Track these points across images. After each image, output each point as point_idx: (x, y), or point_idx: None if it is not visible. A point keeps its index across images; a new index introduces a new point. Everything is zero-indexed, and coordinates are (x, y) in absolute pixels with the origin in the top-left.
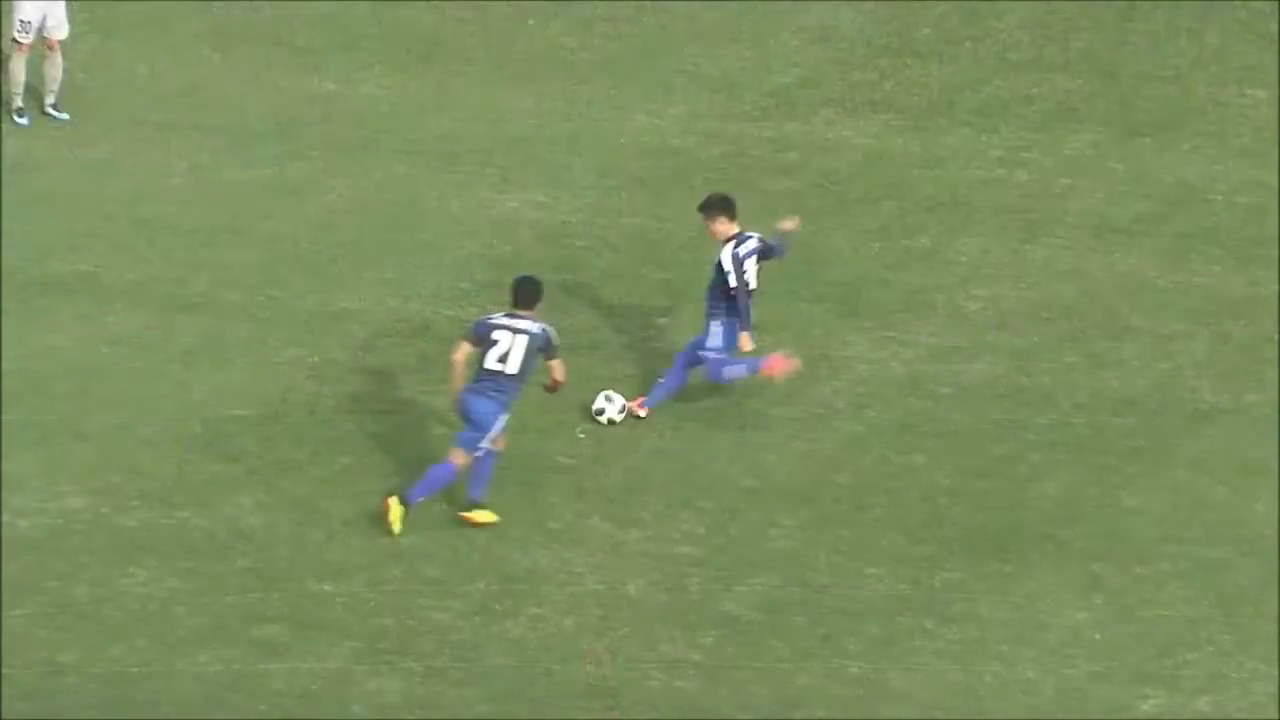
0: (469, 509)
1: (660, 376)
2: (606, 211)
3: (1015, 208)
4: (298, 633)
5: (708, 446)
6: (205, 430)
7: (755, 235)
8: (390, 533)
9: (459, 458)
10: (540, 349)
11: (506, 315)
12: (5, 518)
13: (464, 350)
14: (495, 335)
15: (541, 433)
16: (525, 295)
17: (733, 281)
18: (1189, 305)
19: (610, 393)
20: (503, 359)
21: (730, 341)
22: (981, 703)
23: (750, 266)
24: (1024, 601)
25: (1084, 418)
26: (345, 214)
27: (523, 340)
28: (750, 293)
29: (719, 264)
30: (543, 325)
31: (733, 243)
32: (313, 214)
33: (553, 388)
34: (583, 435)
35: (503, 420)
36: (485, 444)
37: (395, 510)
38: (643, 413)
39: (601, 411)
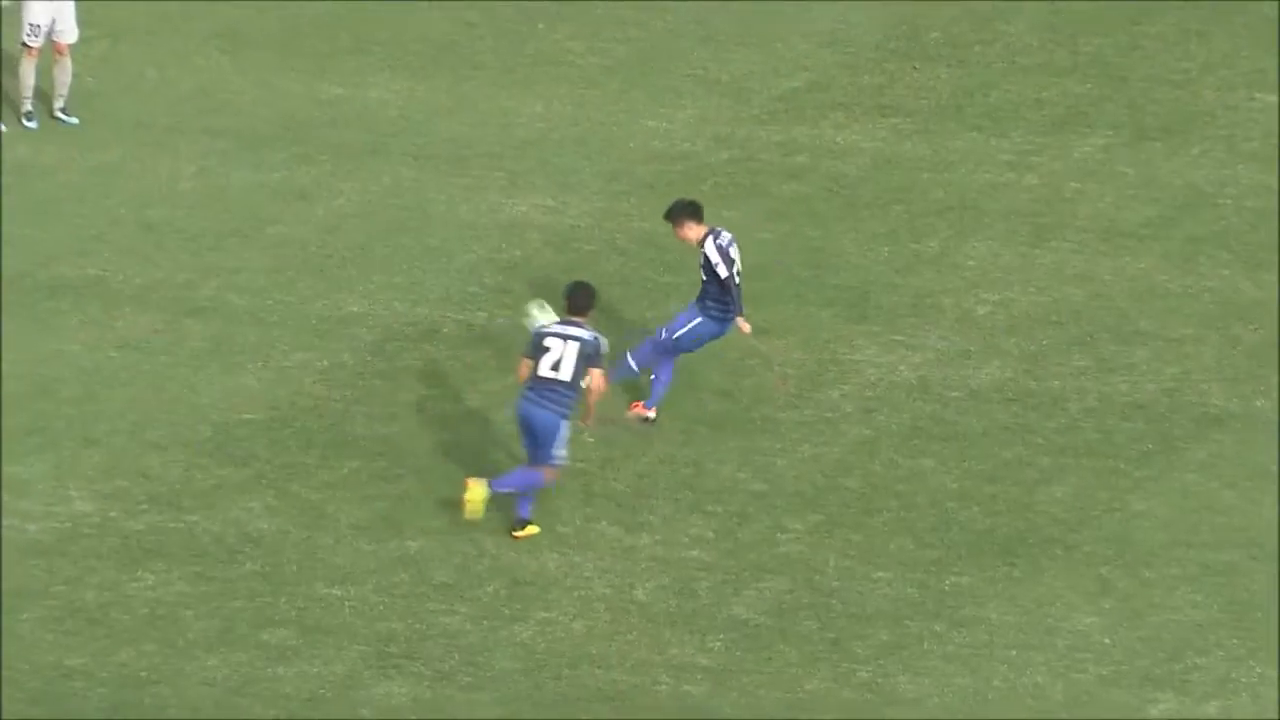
0: (520, 528)
1: (650, 374)
2: (615, 215)
3: (1024, 211)
4: (306, 637)
5: (716, 451)
6: (214, 434)
7: (724, 229)
8: (469, 513)
9: (546, 472)
10: (589, 356)
11: (559, 323)
12: (14, 522)
13: (526, 366)
14: (548, 343)
15: None
16: (578, 301)
17: (723, 273)
18: (1198, 309)
19: (543, 302)
20: (555, 366)
21: (693, 340)
22: (990, 707)
23: (736, 256)
24: (1033, 606)
25: (1093, 422)
26: (353, 218)
27: (574, 346)
28: (738, 283)
29: (706, 261)
30: (595, 333)
31: (710, 238)
32: (321, 218)
33: (586, 411)
34: (591, 439)
35: (565, 428)
36: (560, 452)
37: (476, 491)
38: (651, 413)
39: (528, 315)
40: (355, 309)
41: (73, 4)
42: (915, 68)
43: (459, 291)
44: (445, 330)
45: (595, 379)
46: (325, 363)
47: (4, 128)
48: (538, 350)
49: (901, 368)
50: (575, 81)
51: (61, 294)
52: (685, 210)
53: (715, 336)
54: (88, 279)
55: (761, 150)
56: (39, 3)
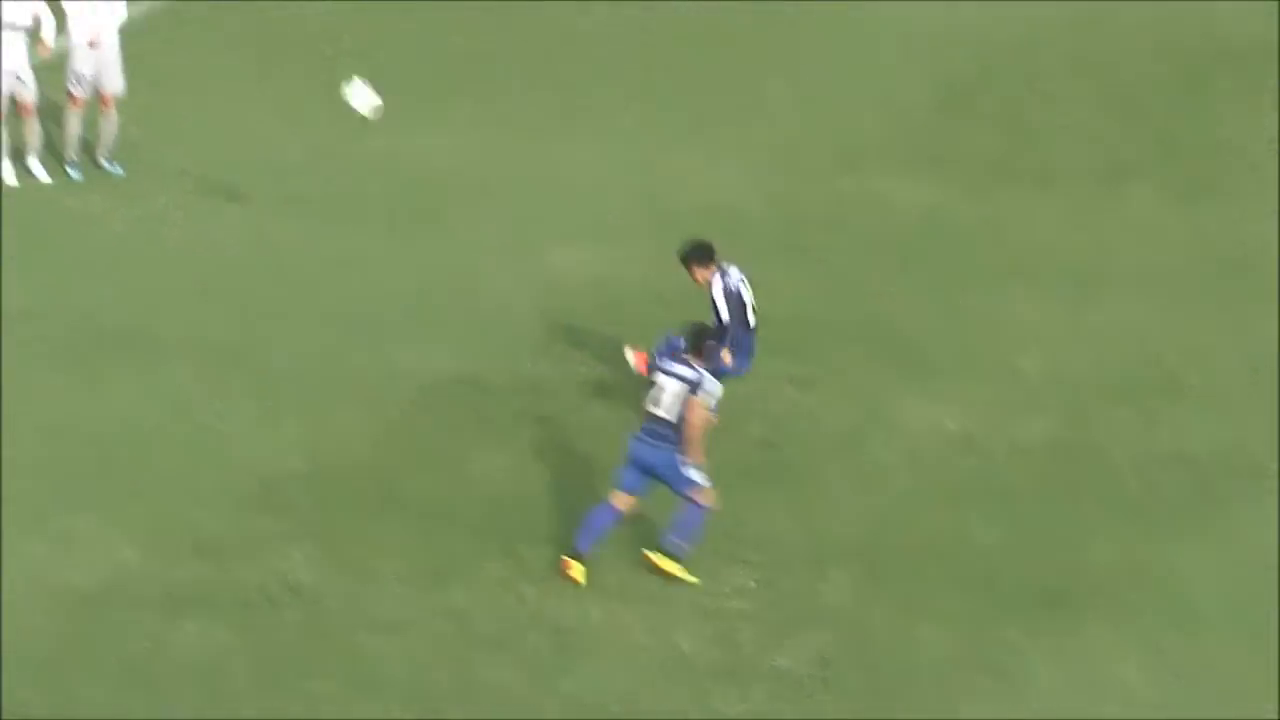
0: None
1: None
2: (661, 267)
3: (1072, 268)
4: (350, 688)
5: (758, 501)
6: (259, 488)
7: (734, 266)
8: (682, 576)
9: (700, 498)
10: (691, 393)
11: (672, 359)
12: (59, 572)
13: None
14: (656, 377)
15: (592, 486)
16: (694, 342)
17: (723, 316)
18: (1245, 366)
19: (361, 81)
20: (660, 403)
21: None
22: None
23: (748, 296)
24: (1079, 661)
25: (1139, 477)
26: (399, 270)
27: (675, 385)
28: (749, 323)
29: (711, 302)
30: (701, 371)
31: (717, 276)
32: (366, 270)
33: (687, 444)
34: None
35: (677, 458)
36: (693, 474)
37: (664, 562)
38: None
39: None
40: (402, 362)
41: (118, 54)
42: (964, 125)
43: (503, 344)
44: (489, 382)
45: (690, 408)
46: (372, 416)
47: (49, 179)
48: (650, 387)
49: (946, 421)
50: (625, 134)
51: (107, 345)
52: (691, 256)
53: (730, 373)
54: (133, 330)
55: (810, 205)
56: (84, 51)
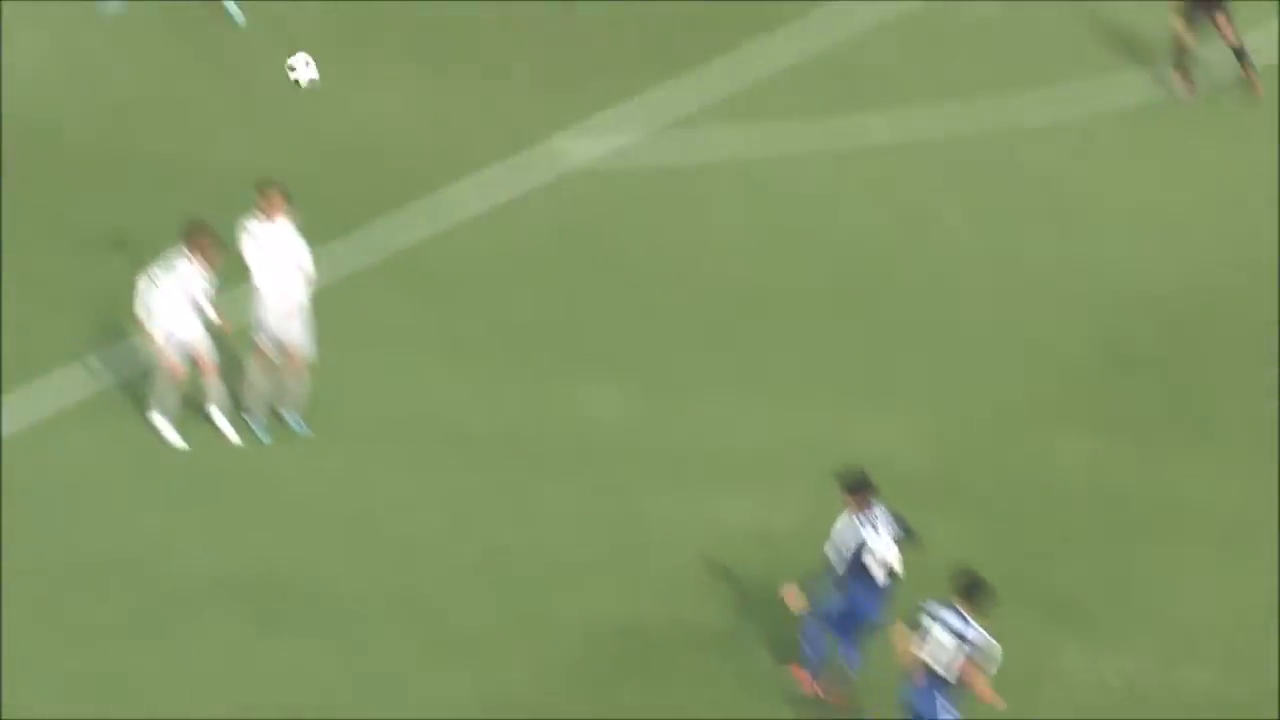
0: None
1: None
2: (823, 518)
3: (1236, 521)
4: None
5: None
6: None
7: (882, 508)
8: None
9: None
10: (965, 650)
11: (950, 608)
12: None
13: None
14: (929, 625)
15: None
16: (971, 593)
17: (834, 560)
18: None
19: (307, 57)
20: (934, 654)
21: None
22: None
23: (878, 540)
24: None
25: None
26: (564, 519)
27: (951, 640)
28: (889, 569)
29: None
30: (977, 629)
31: (852, 515)
32: (533, 518)
33: (980, 694)
34: None
35: (942, 702)
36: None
37: None
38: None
39: (294, 69)
40: (568, 611)
41: (306, 314)
42: (1128, 378)
43: (667, 590)
44: (654, 629)
45: (968, 672)
46: (539, 663)
47: (237, 436)
48: (923, 636)
49: (1109, 673)
50: (789, 388)
51: (291, 601)
52: (844, 482)
53: (865, 615)
54: (316, 587)
55: (973, 458)
56: (270, 305)
